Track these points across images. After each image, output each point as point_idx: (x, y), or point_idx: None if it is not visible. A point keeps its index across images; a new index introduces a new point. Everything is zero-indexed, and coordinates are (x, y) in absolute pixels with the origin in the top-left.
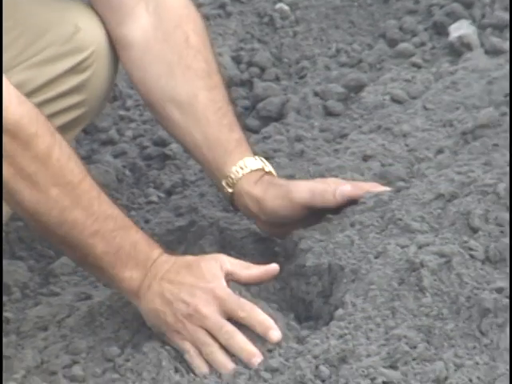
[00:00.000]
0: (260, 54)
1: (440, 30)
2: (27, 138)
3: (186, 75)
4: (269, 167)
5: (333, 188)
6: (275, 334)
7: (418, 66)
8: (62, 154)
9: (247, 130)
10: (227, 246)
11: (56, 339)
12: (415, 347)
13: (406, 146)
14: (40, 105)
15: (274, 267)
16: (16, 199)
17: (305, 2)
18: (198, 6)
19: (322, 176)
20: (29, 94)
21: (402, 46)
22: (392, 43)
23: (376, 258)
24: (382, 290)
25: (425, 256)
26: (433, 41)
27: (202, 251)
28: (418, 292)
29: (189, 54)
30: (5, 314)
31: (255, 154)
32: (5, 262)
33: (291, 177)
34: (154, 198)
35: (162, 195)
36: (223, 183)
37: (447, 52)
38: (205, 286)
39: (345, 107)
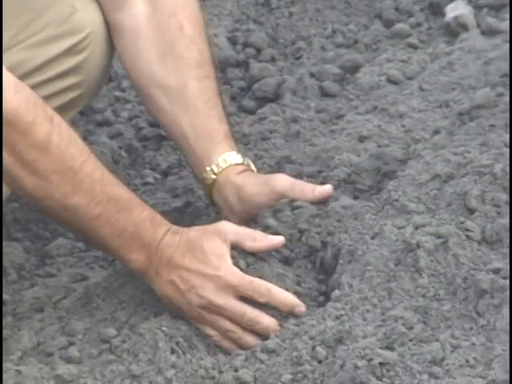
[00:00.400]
0: (256, 35)
1: (436, 10)
2: (25, 127)
3: (177, 64)
4: (253, 167)
5: (313, 185)
6: (301, 309)
7: (414, 47)
8: (62, 140)
9: (243, 111)
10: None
11: (52, 320)
12: (412, 328)
13: (403, 126)
14: (37, 86)
15: (279, 240)
16: (18, 185)
17: None
18: None
19: (318, 157)
20: (26, 75)
21: (398, 26)
22: (388, 24)
23: (372, 238)
24: (379, 270)
25: (421, 237)
26: (429, 21)
27: None
28: (415, 273)
29: (182, 43)
30: None
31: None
32: None
33: (287, 158)
34: (150, 179)
35: (158, 176)
36: (207, 169)
37: (443, 32)
38: (214, 274)
39: (341, 88)
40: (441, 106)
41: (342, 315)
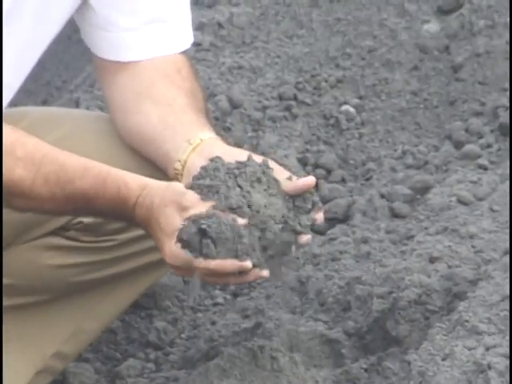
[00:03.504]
0: (326, 156)
1: (506, 131)
2: None
3: (168, 86)
4: None
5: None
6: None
7: (485, 168)
8: (7, 169)
9: (313, 231)
10: (294, 347)
11: None
12: None
13: (473, 247)
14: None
15: None
16: None
17: (371, 104)
18: (264, 108)
19: (389, 277)
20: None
21: (468, 147)
22: (458, 145)
23: (443, 360)
24: None
25: (492, 358)
26: (499, 142)
27: (268, 354)
28: None
29: (176, 77)
30: None
31: None
32: (71, 364)
33: (358, 278)
34: (220, 300)
35: (228, 297)
36: (192, 139)
37: None
38: (162, 255)
39: (411, 209)
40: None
41: None
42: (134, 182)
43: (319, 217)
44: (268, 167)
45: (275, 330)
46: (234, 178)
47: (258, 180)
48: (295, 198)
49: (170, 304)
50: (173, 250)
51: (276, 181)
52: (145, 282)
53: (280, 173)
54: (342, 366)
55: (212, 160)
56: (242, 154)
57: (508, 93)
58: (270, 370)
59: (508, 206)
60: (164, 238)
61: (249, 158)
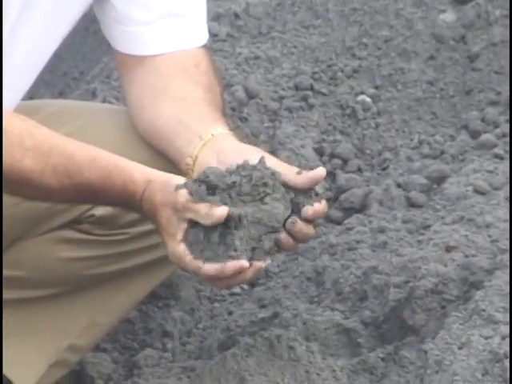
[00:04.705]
0: (342, 146)
1: None
2: None
3: (185, 81)
4: None
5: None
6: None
7: (501, 157)
8: (14, 160)
9: (330, 221)
10: (310, 337)
11: None
12: None
13: (489, 236)
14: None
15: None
16: None
17: (387, 94)
18: (280, 98)
19: (405, 267)
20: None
21: (485, 137)
22: (474, 134)
23: (460, 348)
24: (466, 381)
25: (508, 347)
26: None
27: (285, 343)
28: (502, 383)
29: (194, 71)
30: None
31: None
32: (89, 354)
33: (374, 268)
34: (238, 290)
35: (245, 287)
36: (204, 134)
37: None
38: (166, 251)
39: (427, 198)
40: None
41: None
42: (140, 176)
43: (319, 207)
44: (269, 169)
45: (292, 320)
46: (222, 191)
47: (256, 185)
48: (305, 199)
49: (188, 294)
50: (175, 250)
51: (279, 184)
52: (159, 276)
53: (289, 170)
54: (359, 355)
55: (203, 172)
56: (251, 151)
57: None
58: (287, 359)
59: None
60: (167, 238)
61: (255, 162)
